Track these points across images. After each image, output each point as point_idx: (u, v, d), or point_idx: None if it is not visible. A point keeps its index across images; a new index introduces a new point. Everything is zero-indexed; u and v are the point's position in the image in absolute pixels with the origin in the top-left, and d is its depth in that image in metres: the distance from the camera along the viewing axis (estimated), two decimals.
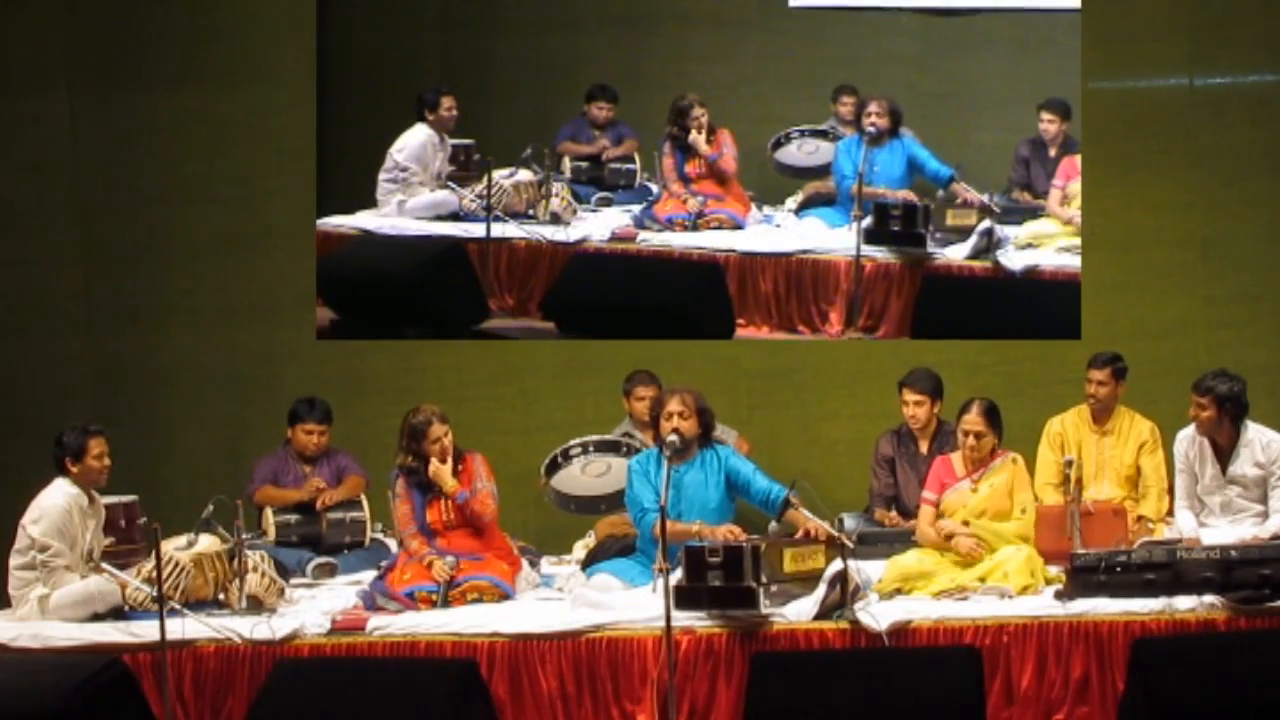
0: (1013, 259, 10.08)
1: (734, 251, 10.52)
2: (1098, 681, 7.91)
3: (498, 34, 12.36)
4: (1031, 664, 7.95)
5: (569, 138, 11.98)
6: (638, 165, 11.87)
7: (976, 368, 10.34)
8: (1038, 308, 9.81)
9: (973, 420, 8.57)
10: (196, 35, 11.01)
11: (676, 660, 7.92)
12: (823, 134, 11.81)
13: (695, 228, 10.79)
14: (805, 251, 10.44)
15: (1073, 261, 10.11)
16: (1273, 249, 10.46)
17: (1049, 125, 10.95)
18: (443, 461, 8.87)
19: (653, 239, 10.75)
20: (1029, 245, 10.25)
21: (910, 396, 9.61)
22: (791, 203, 11.45)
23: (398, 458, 8.95)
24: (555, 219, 10.87)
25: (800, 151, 11.76)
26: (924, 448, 9.61)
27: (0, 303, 11.17)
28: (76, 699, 6.97)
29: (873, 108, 10.77)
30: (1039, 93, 11.14)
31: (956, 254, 10.12)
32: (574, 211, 11.07)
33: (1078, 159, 10.52)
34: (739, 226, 10.84)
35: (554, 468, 9.80)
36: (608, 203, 11.56)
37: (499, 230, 10.57)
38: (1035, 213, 10.64)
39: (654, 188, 11.59)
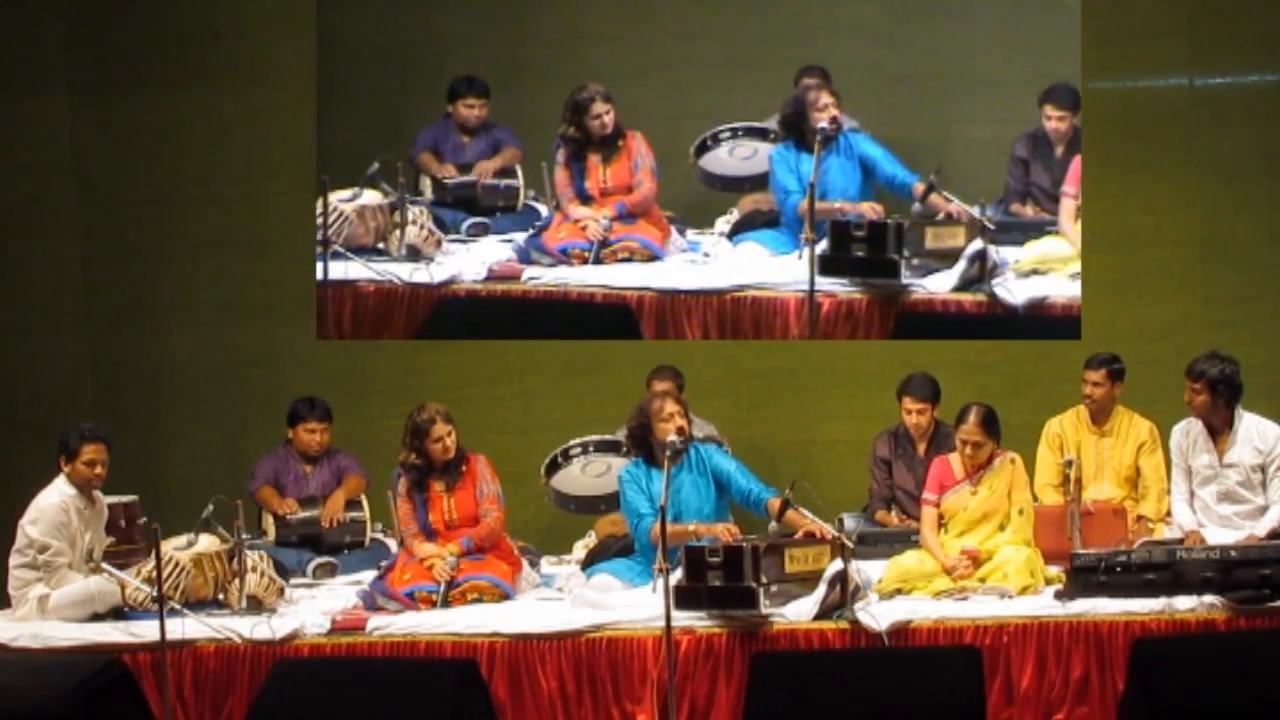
0: (1013, 289, 8.48)
1: (649, 290, 8.78)
2: (1098, 681, 7.92)
3: (340, 12, 10.10)
4: (1031, 664, 7.96)
5: (429, 147, 9.78)
6: (520, 181, 9.67)
7: (976, 368, 10.34)
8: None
9: (970, 430, 8.56)
10: (196, 35, 11.01)
11: (676, 660, 7.92)
12: (762, 133, 9.57)
13: (598, 260, 8.86)
14: (742, 287, 8.74)
15: None
16: (1273, 249, 10.46)
17: (1057, 123, 9.22)
18: (445, 458, 8.86)
19: (543, 276, 8.89)
20: (1034, 271, 8.69)
21: (912, 405, 9.45)
22: (723, 224, 9.47)
23: (400, 455, 8.96)
24: (413, 253, 8.98)
25: (733, 157, 9.59)
26: (921, 449, 9.59)
27: (0, 303, 11.17)
28: (76, 699, 6.95)
29: (825, 98, 8.85)
30: (1039, 73, 9.31)
31: (941, 285, 8.49)
32: (438, 243, 9.10)
33: None
34: (655, 257, 8.97)
35: (554, 468, 9.81)
36: (483, 230, 9.46)
37: (339, 271, 8.79)
38: (1041, 229, 8.95)
39: (543, 209, 9.51)
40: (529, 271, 9.00)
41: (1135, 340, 10.13)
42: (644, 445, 8.73)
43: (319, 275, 8.72)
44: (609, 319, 8.68)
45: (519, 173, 9.74)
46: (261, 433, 10.51)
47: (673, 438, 8.55)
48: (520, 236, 9.33)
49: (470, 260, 9.16)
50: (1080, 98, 9.32)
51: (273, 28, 10.97)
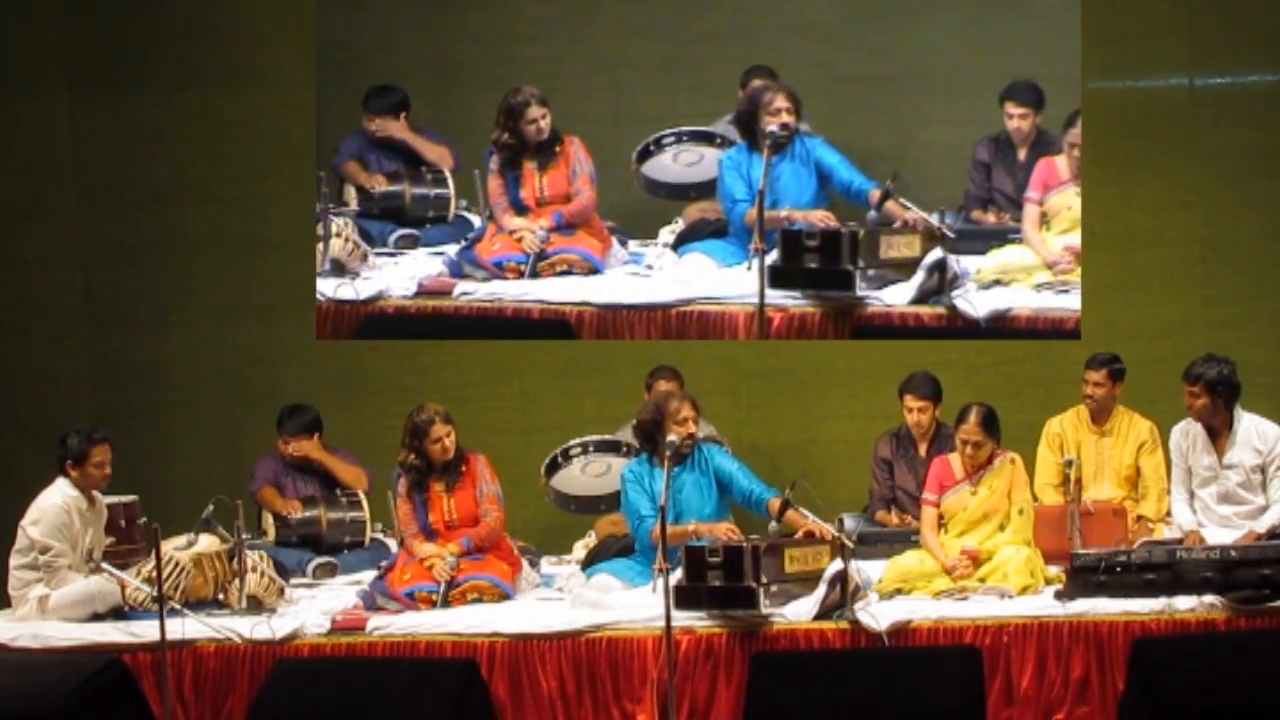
0: (975, 301, 8.17)
1: (589, 305, 8.41)
2: (1098, 681, 7.93)
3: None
4: (1031, 664, 7.96)
5: (354, 155, 9.34)
6: (451, 189, 9.20)
7: (976, 368, 10.33)
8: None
9: (970, 430, 8.55)
10: (196, 35, 11.00)
11: (676, 660, 7.92)
12: (708, 138, 9.15)
13: (535, 274, 8.46)
14: (688, 301, 8.39)
15: (1056, 302, 8.17)
16: (1273, 249, 10.46)
17: (1019, 121, 8.92)
18: (444, 458, 8.86)
19: (476, 291, 8.47)
20: (996, 282, 8.44)
21: (913, 403, 9.40)
22: (668, 234, 9.09)
23: (400, 455, 8.96)
24: (337, 268, 8.51)
25: (677, 163, 9.13)
26: (922, 450, 9.56)
27: (0, 303, 11.17)
28: (76, 699, 6.96)
29: (781, 103, 8.43)
30: (1001, 73, 8.96)
31: (898, 297, 8.16)
32: (363, 257, 8.67)
33: (1058, 160, 8.78)
34: (596, 270, 8.60)
35: (554, 468, 9.79)
36: (412, 243, 9.01)
37: None
38: (1003, 237, 8.68)
39: (476, 220, 9.06)
40: (461, 286, 8.60)
41: (1135, 340, 10.13)
42: (652, 441, 8.72)
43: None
44: (546, 335, 8.28)
45: (450, 181, 9.23)
46: (261, 433, 10.49)
47: (673, 438, 8.55)
48: (452, 249, 8.92)
49: (398, 275, 8.77)
50: (1043, 95, 8.97)
51: (273, 28, 10.96)
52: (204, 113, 11.00)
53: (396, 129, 9.39)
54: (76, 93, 11.11)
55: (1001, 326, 8.15)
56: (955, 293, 8.19)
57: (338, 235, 8.58)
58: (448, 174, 9.35)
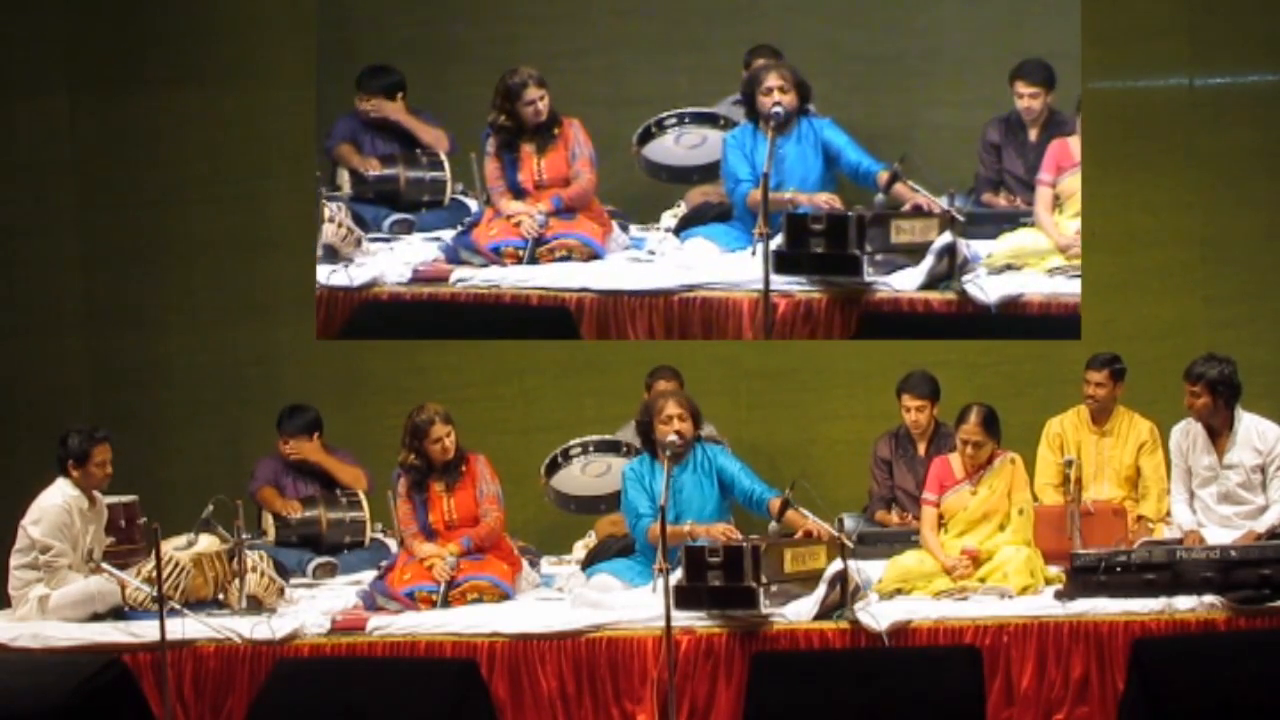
0: (986, 286, 7.98)
1: (589, 291, 8.22)
2: (1098, 681, 7.93)
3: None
4: (1031, 664, 7.96)
5: (347, 137, 9.13)
6: (448, 172, 8.98)
7: (976, 368, 10.33)
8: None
9: (971, 430, 8.55)
10: (196, 35, 11.01)
11: (676, 660, 7.92)
12: (711, 119, 8.96)
13: (534, 259, 8.24)
14: (691, 288, 8.23)
15: (1069, 287, 7.96)
16: (1273, 249, 10.46)
17: (1030, 101, 8.68)
18: (444, 458, 8.86)
19: (474, 278, 8.27)
20: (1008, 266, 8.27)
21: (911, 402, 9.40)
22: (670, 219, 8.93)
23: (400, 455, 8.96)
24: (331, 254, 8.31)
25: (679, 145, 8.91)
26: (921, 449, 9.56)
27: (0, 303, 11.17)
28: (76, 699, 6.95)
29: (772, 81, 8.22)
30: (1011, 52, 8.79)
31: (906, 282, 8.00)
32: (357, 243, 8.42)
33: (1072, 141, 8.60)
34: (596, 255, 8.40)
35: (554, 468, 9.79)
36: (407, 228, 8.77)
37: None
38: (1015, 220, 8.49)
39: (473, 204, 8.87)
40: (458, 272, 8.41)
41: (1135, 340, 10.13)
42: (650, 442, 8.73)
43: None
44: (546, 323, 8.03)
45: (445, 164, 9.01)
46: (261, 433, 10.50)
47: (672, 438, 8.55)
48: (448, 234, 8.74)
49: (393, 261, 8.59)
50: (1054, 74, 8.73)
51: (273, 28, 10.96)
52: (204, 113, 11.00)
53: (393, 110, 9.21)
54: (76, 93, 11.12)
55: (1013, 312, 7.94)
56: (966, 278, 8.00)
57: (330, 220, 8.36)
58: (443, 157, 9.15)
